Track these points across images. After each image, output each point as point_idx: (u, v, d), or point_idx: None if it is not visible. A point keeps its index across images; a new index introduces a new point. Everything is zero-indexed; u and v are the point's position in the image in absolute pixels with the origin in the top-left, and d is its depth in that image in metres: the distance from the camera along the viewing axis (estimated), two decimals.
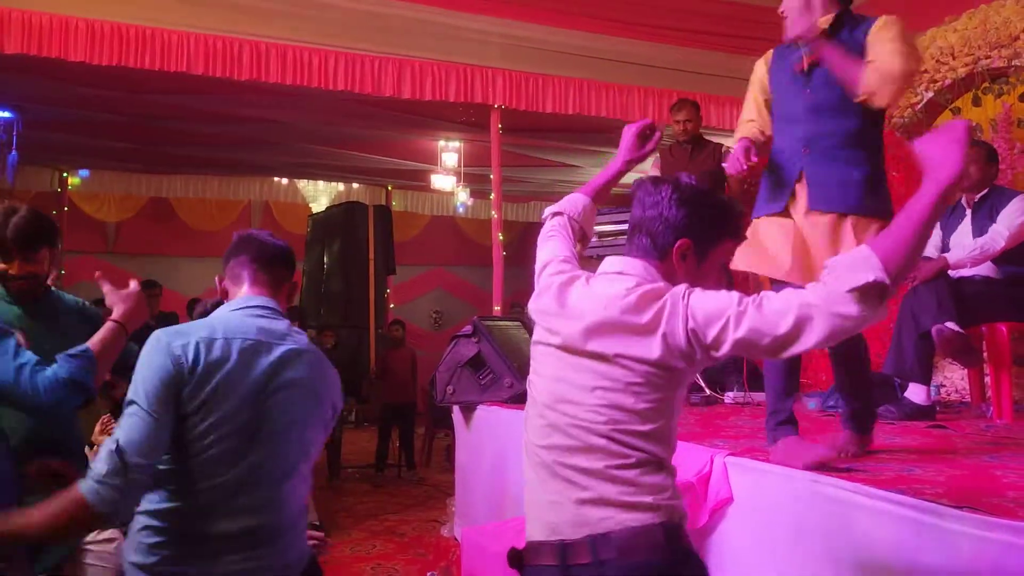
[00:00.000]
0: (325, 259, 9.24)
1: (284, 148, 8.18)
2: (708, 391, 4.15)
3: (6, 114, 6.51)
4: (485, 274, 6.72)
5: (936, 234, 3.79)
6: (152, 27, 4.82)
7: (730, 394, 4.17)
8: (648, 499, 1.42)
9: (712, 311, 1.37)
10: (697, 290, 1.42)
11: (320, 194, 10.57)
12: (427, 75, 5.53)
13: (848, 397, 2.61)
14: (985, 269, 3.56)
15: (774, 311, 1.33)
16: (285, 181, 10.40)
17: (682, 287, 1.43)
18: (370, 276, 8.94)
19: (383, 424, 7.32)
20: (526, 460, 1.56)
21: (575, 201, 1.89)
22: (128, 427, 1.54)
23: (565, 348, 1.51)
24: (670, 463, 1.50)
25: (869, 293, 1.27)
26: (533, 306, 1.62)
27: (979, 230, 3.59)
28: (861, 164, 2.42)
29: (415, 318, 10.91)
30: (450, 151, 7.99)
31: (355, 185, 10.51)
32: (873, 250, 1.29)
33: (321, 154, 8.42)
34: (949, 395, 4.14)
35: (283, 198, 10.63)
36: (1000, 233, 3.47)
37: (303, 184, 10.47)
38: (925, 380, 3.41)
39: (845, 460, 2.39)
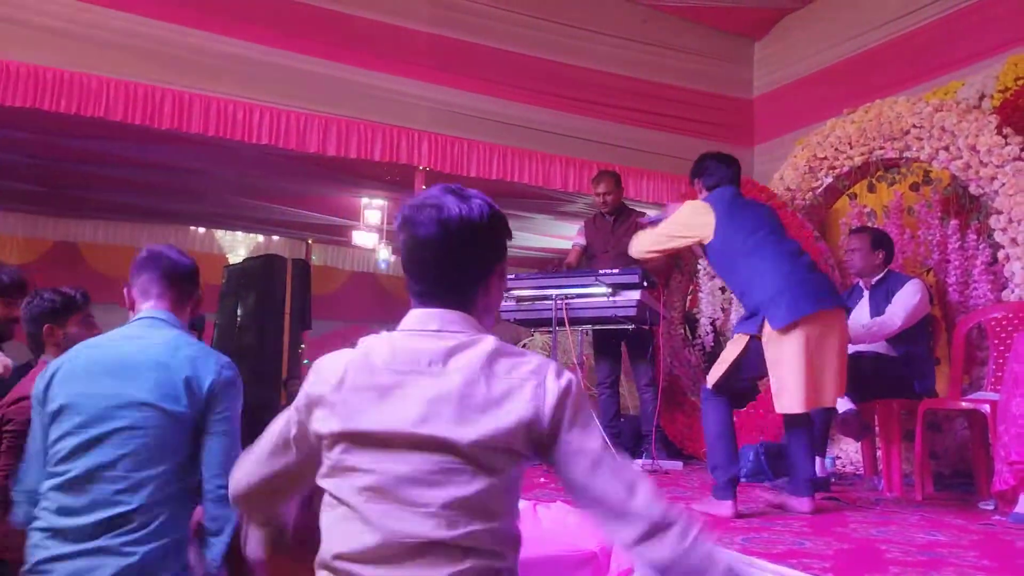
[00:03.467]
0: (239, 311, 9.01)
1: (203, 197, 8.04)
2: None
3: None
4: None
5: None
6: (70, 71, 4.72)
7: (639, 461, 4.23)
8: None
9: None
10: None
11: (238, 245, 10.38)
12: (353, 134, 5.56)
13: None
14: (880, 347, 3.76)
15: None
16: (202, 230, 10.18)
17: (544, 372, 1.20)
18: (285, 330, 8.76)
19: None
20: None
21: None
22: None
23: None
24: None
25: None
26: None
27: (876, 310, 3.80)
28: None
29: None
30: (373, 208, 7.99)
31: (275, 238, 10.38)
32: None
33: (241, 205, 8.30)
34: (844, 467, 4.30)
35: (199, 247, 10.37)
36: (896, 314, 3.67)
37: (221, 234, 10.28)
38: (821, 452, 3.56)
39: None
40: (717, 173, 3.21)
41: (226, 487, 1.57)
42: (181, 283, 2.06)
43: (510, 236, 1.35)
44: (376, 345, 1.27)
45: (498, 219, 1.31)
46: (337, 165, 6.11)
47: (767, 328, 2.86)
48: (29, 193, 7.92)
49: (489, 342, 1.22)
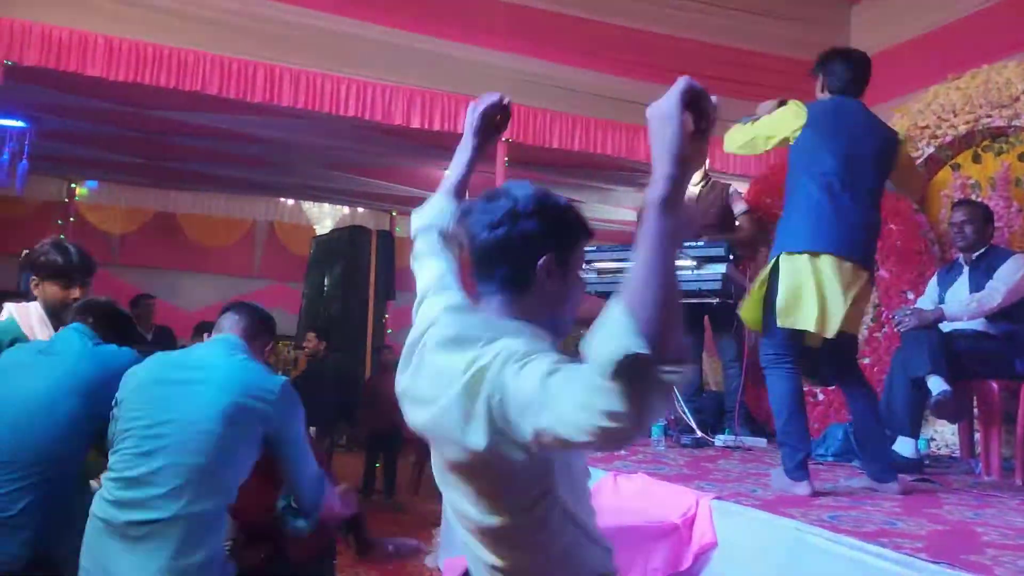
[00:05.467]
0: (326, 282, 9.27)
1: (292, 169, 8.25)
2: (699, 433, 4.15)
3: (19, 123, 6.58)
4: None
5: (933, 289, 3.82)
6: (169, 46, 4.89)
7: (721, 437, 4.17)
8: None
9: (527, 393, 1.04)
10: (511, 371, 1.08)
11: (325, 216, 10.63)
12: (437, 105, 5.60)
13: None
14: (979, 325, 3.58)
15: (564, 411, 0.99)
16: (291, 202, 10.46)
17: (499, 362, 1.09)
18: (370, 301, 8.97)
19: (369, 449, 7.31)
20: None
21: (442, 210, 1.59)
22: None
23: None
24: None
25: (628, 371, 0.89)
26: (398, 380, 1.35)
27: (976, 287, 3.61)
28: None
29: None
30: None
31: (360, 209, 10.57)
32: (626, 306, 0.93)
33: (328, 177, 8.48)
34: (939, 449, 4.14)
35: (288, 219, 10.68)
36: (997, 289, 3.48)
37: (308, 206, 10.53)
38: (914, 433, 3.43)
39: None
40: (841, 76, 2.97)
41: None
42: None
43: (566, 232, 1.29)
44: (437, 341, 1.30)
45: (547, 209, 1.27)
46: (420, 137, 6.17)
47: (783, 254, 2.81)
48: (131, 165, 8.28)
49: (484, 363, 1.12)
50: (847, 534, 2.04)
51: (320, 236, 9.91)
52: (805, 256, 2.76)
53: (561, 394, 0.99)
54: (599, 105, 6.07)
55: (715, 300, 4.23)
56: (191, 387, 2.01)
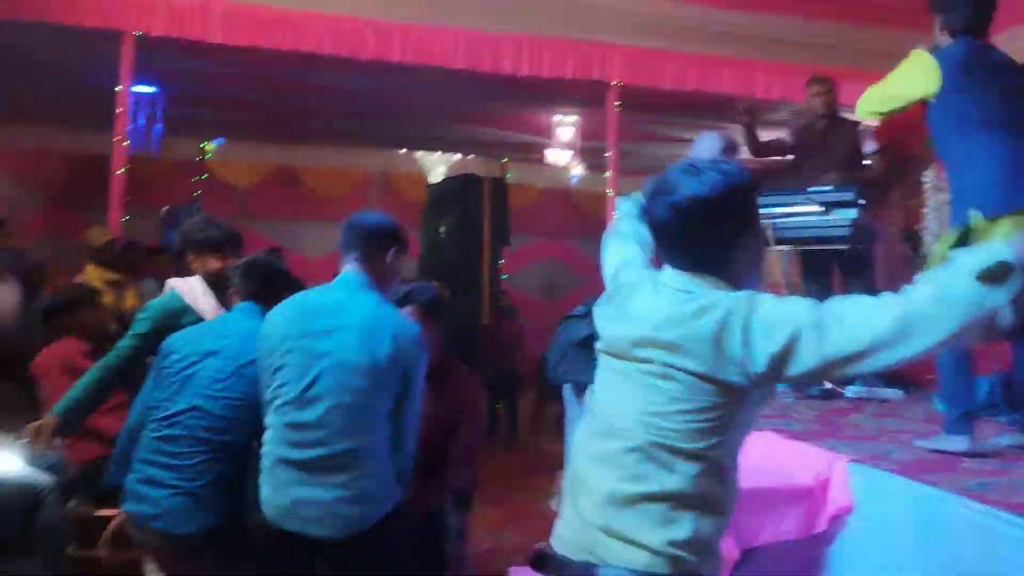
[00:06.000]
0: (441, 229, 9.41)
1: (403, 121, 8.36)
2: (828, 384, 4.01)
3: (152, 89, 6.92)
4: (598, 246, 6.67)
5: None
6: (282, 8, 5.00)
7: (852, 388, 4.01)
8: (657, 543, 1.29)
9: (780, 321, 1.24)
10: (763, 298, 1.29)
11: (437, 164, 10.73)
12: (545, 52, 5.52)
13: None
14: None
15: (859, 318, 1.22)
16: (403, 151, 10.62)
17: (743, 295, 1.31)
18: (484, 247, 9.06)
19: (491, 391, 7.49)
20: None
21: None
22: None
23: (612, 353, 1.45)
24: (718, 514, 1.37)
25: (994, 273, 1.14)
26: (598, 310, 1.54)
27: None
28: None
29: (527, 287, 11.01)
30: (566, 126, 7.95)
31: (471, 156, 10.62)
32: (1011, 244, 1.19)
33: (439, 127, 8.55)
34: None
35: (401, 168, 10.86)
36: None
37: (421, 155, 10.66)
38: None
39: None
40: (961, 14, 2.64)
41: None
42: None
43: (752, 203, 1.39)
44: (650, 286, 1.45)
45: (734, 189, 1.34)
46: (530, 84, 6.10)
47: (971, 227, 2.52)
48: (252, 122, 8.60)
49: (716, 297, 1.31)
50: (997, 505, 1.93)
51: (433, 184, 10.03)
52: (1006, 221, 2.44)
53: (850, 312, 1.22)
54: (713, 40, 5.82)
55: (845, 246, 4.03)
56: (336, 335, 2.13)
